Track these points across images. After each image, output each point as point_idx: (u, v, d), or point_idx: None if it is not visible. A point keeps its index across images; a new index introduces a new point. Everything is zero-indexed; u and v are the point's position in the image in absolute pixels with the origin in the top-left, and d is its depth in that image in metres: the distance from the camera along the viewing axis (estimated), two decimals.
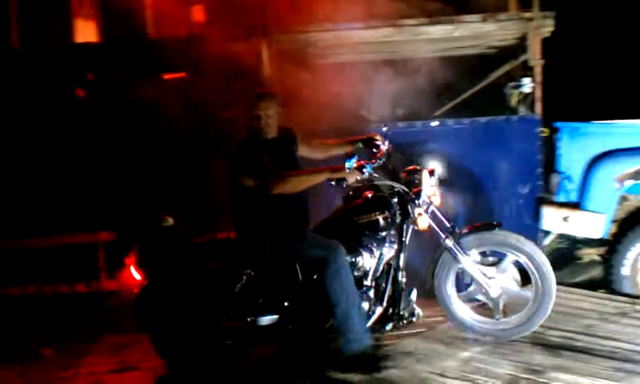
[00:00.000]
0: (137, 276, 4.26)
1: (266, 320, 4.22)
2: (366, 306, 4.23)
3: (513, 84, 6.85)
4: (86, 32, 7.74)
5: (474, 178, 6.09)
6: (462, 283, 4.55)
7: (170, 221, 4.32)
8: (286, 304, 4.22)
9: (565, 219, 5.92)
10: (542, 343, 4.43)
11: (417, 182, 4.32)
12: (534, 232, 6.05)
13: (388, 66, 6.70)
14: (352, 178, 4.07)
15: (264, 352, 4.42)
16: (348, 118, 6.31)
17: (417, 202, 4.28)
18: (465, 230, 4.46)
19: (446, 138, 6.11)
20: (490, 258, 4.51)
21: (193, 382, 4.25)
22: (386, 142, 4.43)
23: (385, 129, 4.52)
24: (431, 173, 4.39)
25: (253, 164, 4.12)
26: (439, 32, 6.64)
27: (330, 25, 6.42)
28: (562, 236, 6.29)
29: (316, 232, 4.29)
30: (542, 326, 4.52)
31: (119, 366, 4.47)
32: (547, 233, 6.13)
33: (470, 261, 4.39)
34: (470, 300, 4.55)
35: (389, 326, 4.31)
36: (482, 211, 5.99)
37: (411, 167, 4.42)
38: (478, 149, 6.11)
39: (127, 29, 7.92)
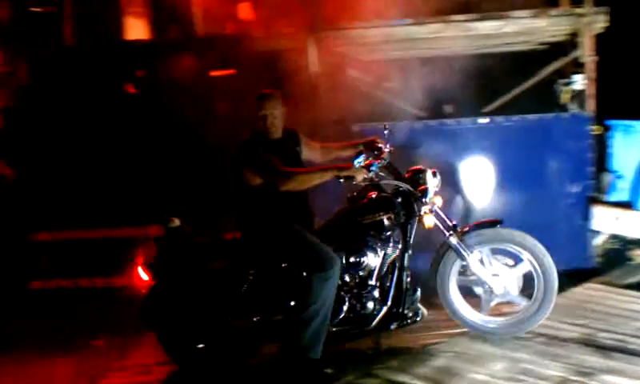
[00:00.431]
0: (144, 276, 4.34)
1: (272, 319, 4.28)
2: (370, 305, 4.28)
3: (563, 81, 6.73)
4: (136, 30, 7.86)
5: (523, 176, 6.00)
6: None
7: (177, 222, 4.38)
8: (291, 303, 4.25)
9: (616, 219, 5.80)
10: (593, 345, 4.36)
11: (421, 181, 4.37)
12: (584, 232, 5.95)
13: (436, 62, 6.63)
14: (360, 176, 4.13)
15: (271, 351, 4.45)
16: (394, 115, 6.30)
17: (423, 199, 4.33)
18: (467, 228, 4.50)
19: (494, 136, 6.03)
20: (504, 258, 4.53)
21: (200, 381, 4.31)
22: (388, 144, 4.47)
23: (385, 131, 4.50)
24: (434, 173, 4.44)
25: (260, 162, 4.15)
26: (488, 28, 6.55)
27: (377, 21, 6.40)
28: (613, 236, 6.17)
29: (321, 232, 4.32)
30: (593, 328, 4.45)
31: (166, 359, 4.54)
32: (598, 233, 6.01)
33: (473, 258, 4.43)
34: (467, 288, 4.60)
35: (393, 326, 4.35)
36: (530, 210, 5.90)
37: (415, 167, 4.48)
38: (527, 147, 6.02)
39: (176, 26, 8.06)
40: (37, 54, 7.15)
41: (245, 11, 8.30)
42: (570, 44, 6.85)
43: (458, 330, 4.75)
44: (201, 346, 4.31)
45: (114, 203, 6.53)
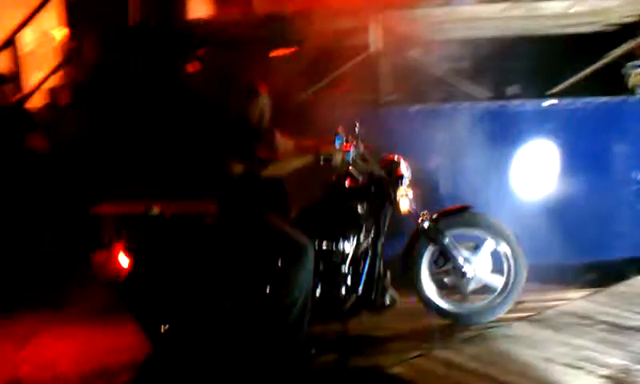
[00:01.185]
0: (124, 262, 4.38)
1: (249, 305, 4.30)
2: (343, 291, 4.33)
3: (632, 64, 6.51)
4: (200, 8, 7.94)
5: (587, 160, 5.85)
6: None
7: (156, 210, 4.43)
8: (267, 290, 4.27)
9: None
10: None
11: (396, 169, 4.45)
12: None
13: (501, 43, 6.49)
14: (339, 158, 4.20)
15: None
16: (456, 96, 6.21)
17: (399, 183, 4.42)
18: (439, 213, 4.55)
19: (559, 119, 5.88)
20: (468, 243, 4.61)
21: (178, 364, 4.34)
22: (359, 140, 4.47)
23: (356, 129, 4.49)
24: (406, 164, 4.52)
25: (249, 151, 4.20)
26: (556, 8, 6.36)
27: (441, 0, 6.30)
28: None
29: (296, 220, 4.36)
30: None
31: None
32: None
33: (446, 241, 4.49)
34: (439, 281, 4.64)
35: (363, 311, 4.39)
36: (593, 196, 5.77)
37: (387, 157, 4.55)
38: (592, 131, 5.86)
39: (237, 5, 8.11)
40: (103, 31, 7.28)
41: None
42: None
43: (516, 315, 4.71)
44: (180, 330, 4.35)
45: (175, 177, 6.62)
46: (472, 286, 4.59)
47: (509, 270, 4.58)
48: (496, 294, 4.62)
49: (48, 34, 9.22)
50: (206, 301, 4.31)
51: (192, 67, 7.87)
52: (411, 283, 4.63)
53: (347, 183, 4.45)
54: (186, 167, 6.27)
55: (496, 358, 4.06)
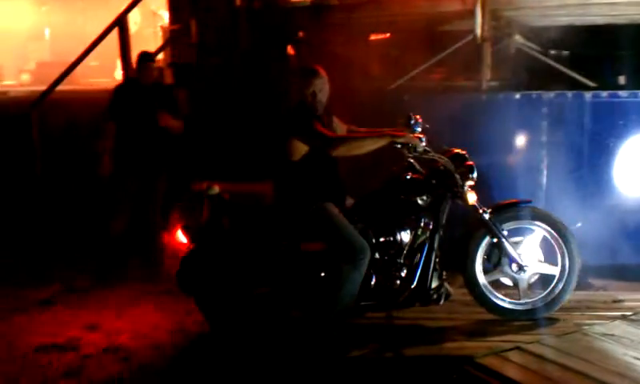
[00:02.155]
0: (183, 239, 4.45)
1: (303, 289, 4.30)
2: (397, 283, 4.26)
3: None
4: None
5: None
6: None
7: (216, 189, 4.43)
8: (322, 275, 4.25)
9: None
10: None
11: (463, 160, 4.36)
12: None
13: (610, 30, 6.24)
14: (417, 144, 4.12)
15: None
16: (561, 84, 6.01)
17: (469, 174, 4.31)
18: (495, 206, 4.46)
19: None
20: (515, 238, 4.47)
21: (233, 344, 4.37)
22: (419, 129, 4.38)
23: (412, 122, 4.40)
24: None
25: (311, 129, 4.13)
26: None
27: None
28: None
29: (354, 208, 4.32)
30: None
31: None
32: None
33: (504, 234, 4.41)
34: (495, 281, 4.51)
35: (416, 305, 4.32)
36: None
37: (450, 149, 4.42)
38: None
39: None
40: (207, 13, 7.48)
41: None
42: None
43: (616, 313, 4.55)
44: (236, 311, 4.39)
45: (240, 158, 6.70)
46: (528, 280, 4.46)
47: (563, 264, 4.43)
48: (551, 288, 4.47)
49: (154, 14, 9.58)
50: (258, 282, 4.35)
51: (293, 49, 7.99)
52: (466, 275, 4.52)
53: (408, 176, 4.38)
54: (251, 148, 6.36)
55: (592, 356, 3.93)
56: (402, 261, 4.32)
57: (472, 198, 4.35)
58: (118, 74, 9.32)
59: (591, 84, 5.82)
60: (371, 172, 4.63)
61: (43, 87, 7.59)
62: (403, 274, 4.31)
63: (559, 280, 4.46)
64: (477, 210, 4.39)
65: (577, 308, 4.67)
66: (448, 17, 6.43)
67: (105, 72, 11.02)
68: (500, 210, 4.47)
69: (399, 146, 4.13)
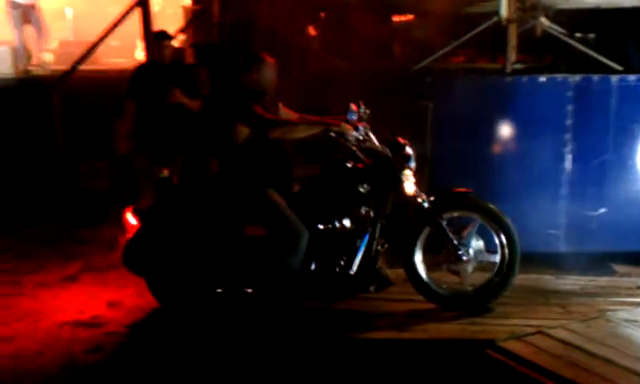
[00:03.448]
0: (133, 221, 4.47)
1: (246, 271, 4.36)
2: (337, 271, 4.29)
3: None
4: None
5: None
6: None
7: (165, 173, 4.58)
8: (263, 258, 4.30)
9: None
10: None
11: (402, 150, 4.35)
12: None
13: (638, 11, 6.10)
14: (350, 133, 4.15)
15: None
16: (586, 67, 5.91)
17: (405, 164, 4.31)
18: (437, 195, 4.45)
19: None
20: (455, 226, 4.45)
21: (183, 322, 4.40)
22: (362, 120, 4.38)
23: (362, 109, 4.41)
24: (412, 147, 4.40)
25: (249, 109, 4.20)
26: None
27: None
28: None
29: (297, 196, 4.36)
30: None
31: None
32: None
33: (443, 224, 4.39)
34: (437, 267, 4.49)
35: (356, 292, 4.35)
36: None
37: (392, 138, 4.40)
38: None
39: None
40: None
41: None
42: None
43: (637, 299, 4.51)
44: (182, 291, 4.45)
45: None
46: (469, 269, 4.43)
47: (503, 253, 4.39)
48: (492, 275, 4.46)
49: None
50: (202, 263, 4.39)
51: (314, 30, 7.94)
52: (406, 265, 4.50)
53: (349, 164, 4.38)
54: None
55: (616, 342, 3.89)
56: (341, 248, 4.33)
57: (409, 187, 4.35)
58: (139, 55, 9.31)
59: (618, 67, 5.72)
60: (318, 159, 4.62)
61: (66, 66, 7.62)
62: (342, 262, 4.33)
63: (500, 268, 4.43)
64: (415, 199, 4.39)
65: (600, 294, 4.66)
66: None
67: (126, 52, 11.02)
68: (440, 199, 4.46)
69: (333, 134, 4.19)
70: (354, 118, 4.27)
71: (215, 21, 7.72)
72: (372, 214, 4.34)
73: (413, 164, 4.37)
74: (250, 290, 4.39)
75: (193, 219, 4.45)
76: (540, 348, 3.86)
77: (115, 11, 7.76)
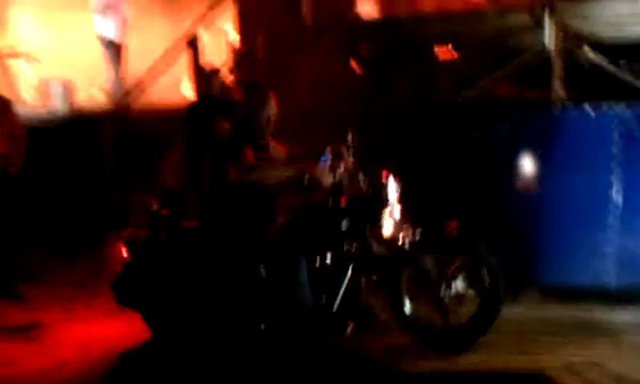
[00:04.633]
0: (124, 254, 4.49)
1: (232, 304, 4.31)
2: (319, 307, 4.24)
3: None
4: (367, 7, 8.04)
5: None
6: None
7: (154, 206, 4.54)
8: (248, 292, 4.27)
9: None
10: None
11: (383, 186, 4.34)
12: None
13: None
14: (324, 179, 4.24)
15: None
16: (632, 97, 5.84)
17: (384, 206, 4.30)
18: (421, 232, 4.41)
19: None
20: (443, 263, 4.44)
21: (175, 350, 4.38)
22: (350, 151, 4.40)
23: (349, 137, 4.43)
24: (396, 178, 4.35)
25: (240, 154, 4.37)
26: None
27: None
28: None
29: (285, 227, 4.36)
30: None
31: None
32: None
33: (429, 261, 4.37)
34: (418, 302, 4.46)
35: (337, 331, 4.30)
36: None
37: (378, 171, 4.39)
38: None
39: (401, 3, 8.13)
40: (275, 31, 7.58)
41: None
42: None
43: None
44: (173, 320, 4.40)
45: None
46: (452, 308, 4.41)
47: (487, 294, 4.37)
48: (476, 313, 4.42)
49: (221, 31, 9.71)
50: (191, 296, 4.35)
51: (358, 66, 8.01)
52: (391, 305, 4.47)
53: (330, 202, 4.37)
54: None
55: None
56: (322, 286, 4.29)
57: (387, 229, 4.32)
58: (185, 90, 9.51)
59: None
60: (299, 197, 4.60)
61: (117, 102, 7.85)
62: (323, 300, 4.29)
63: (483, 307, 4.39)
64: (394, 240, 4.36)
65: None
66: (516, 29, 6.35)
67: (172, 88, 11.24)
68: (424, 239, 4.43)
69: (306, 181, 4.25)
70: (327, 162, 4.34)
71: (260, 58, 7.85)
72: (354, 251, 4.33)
73: (392, 204, 4.36)
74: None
75: (184, 255, 4.44)
76: (592, 380, 3.80)
77: (159, 46, 7.98)
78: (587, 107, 5.60)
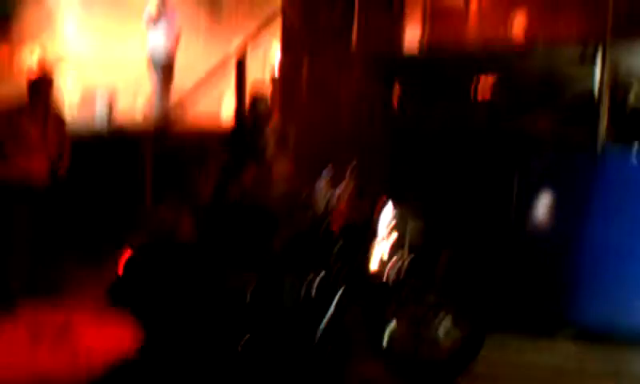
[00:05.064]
0: (122, 263, 4.53)
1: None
2: (301, 335, 4.18)
3: None
4: (412, 39, 8.03)
5: None
6: None
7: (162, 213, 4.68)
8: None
9: None
10: None
11: (377, 214, 4.28)
12: None
13: None
14: (319, 203, 4.22)
15: None
16: None
17: (373, 239, 4.24)
18: (409, 272, 4.35)
19: None
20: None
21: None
22: (350, 180, 4.37)
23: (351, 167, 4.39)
24: (395, 204, 4.28)
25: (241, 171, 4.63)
26: None
27: None
28: None
29: (282, 250, 4.34)
30: None
31: None
32: None
33: (412, 305, 4.33)
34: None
35: (318, 359, 4.20)
36: None
37: (377, 196, 4.34)
38: None
39: (445, 36, 8.10)
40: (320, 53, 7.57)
41: (518, 21, 8.10)
42: None
43: None
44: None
45: None
46: (435, 346, 4.39)
47: (469, 336, 4.38)
48: (457, 352, 4.40)
49: (267, 51, 9.78)
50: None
51: (397, 97, 7.97)
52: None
53: (322, 228, 4.32)
54: None
55: None
56: (308, 312, 4.24)
57: (373, 264, 4.25)
58: (226, 112, 9.58)
59: None
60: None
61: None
62: (307, 327, 4.23)
63: (465, 347, 4.38)
64: (380, 275, 4.29)
65: None
66: (564, 65, 6.26)
67: (213, 104, 11.32)
68: (409, 277, 4.38)
69: (301, 207, 4.31)
70: (322, 185, 4.32)
71: (302, 79, 7.86)
72: (342, 278, 4.29)
73: (378, 240, 4.30)
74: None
75: (177, 269, 4.47)
76: None
77: (202, 62, 8.04)
78: (633, 149, 5.46)
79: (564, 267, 5.21)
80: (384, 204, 4.40)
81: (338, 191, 4.32)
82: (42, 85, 5.88)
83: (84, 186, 7.10)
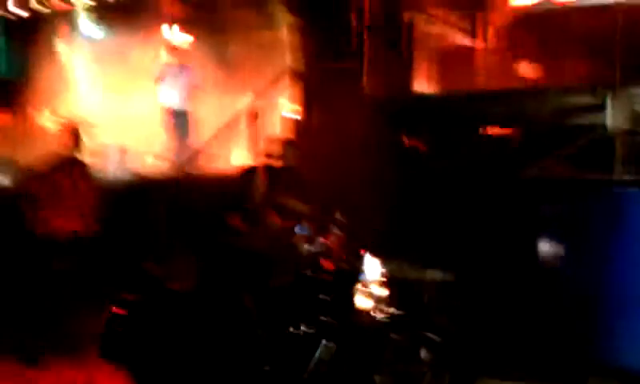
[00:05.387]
0: (112, 313, 4.52)
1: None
2: (289, 374, 4.17)
3: None
4: (422, 82, 8.13)
5: None
6: None
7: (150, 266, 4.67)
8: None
9: None
10: None
11: (358, 262, 4.29)
12: None
13: None
14: (301, 247, 4.28)
15: None
16: None
17: (357, 279, 4.24)
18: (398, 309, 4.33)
19: None
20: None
21: None
22: (337, 228, 4.41)
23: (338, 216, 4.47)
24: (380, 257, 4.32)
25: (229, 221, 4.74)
26: None
27: None
28: None
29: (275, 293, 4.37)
30: None
31: None
32: None
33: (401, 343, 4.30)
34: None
35: None
36: None
37: (355, 246, 4.35)
38: None
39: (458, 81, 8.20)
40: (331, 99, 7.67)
41: (526, 67, 8.21)
42: None
43: None
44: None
45: None
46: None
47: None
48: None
49: (278, 104, 9.86)
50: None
51: (409, 140, 8.03)
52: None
53: (310, 273, 4.36)
54: None
55: None
56: (296, 354, 4.23)
57: (359, 301, 4.25)
58: (235, 160, 9.60)
59: None
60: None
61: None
62: (295, 368, 4.21)
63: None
64: (368, 316, 4.28)
65: None
66: (576, 109, 6.32)
67: (224, 156, 11.37)
68: (398, 316, 4.35)
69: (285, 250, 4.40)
70: (304, 232, 4.41)
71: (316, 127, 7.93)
72: (326, 323, 4.28)
73: (362, 280, 4.29)
74: None
75: (174, 316, 4.47)
76: None
77: (212, 115, 8.13)
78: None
79: (592, 312, 5.15)
80: (373, 255, 4.39)
81: (323, 237, 4.38)
82: (71, 144, 6.14)
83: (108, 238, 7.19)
